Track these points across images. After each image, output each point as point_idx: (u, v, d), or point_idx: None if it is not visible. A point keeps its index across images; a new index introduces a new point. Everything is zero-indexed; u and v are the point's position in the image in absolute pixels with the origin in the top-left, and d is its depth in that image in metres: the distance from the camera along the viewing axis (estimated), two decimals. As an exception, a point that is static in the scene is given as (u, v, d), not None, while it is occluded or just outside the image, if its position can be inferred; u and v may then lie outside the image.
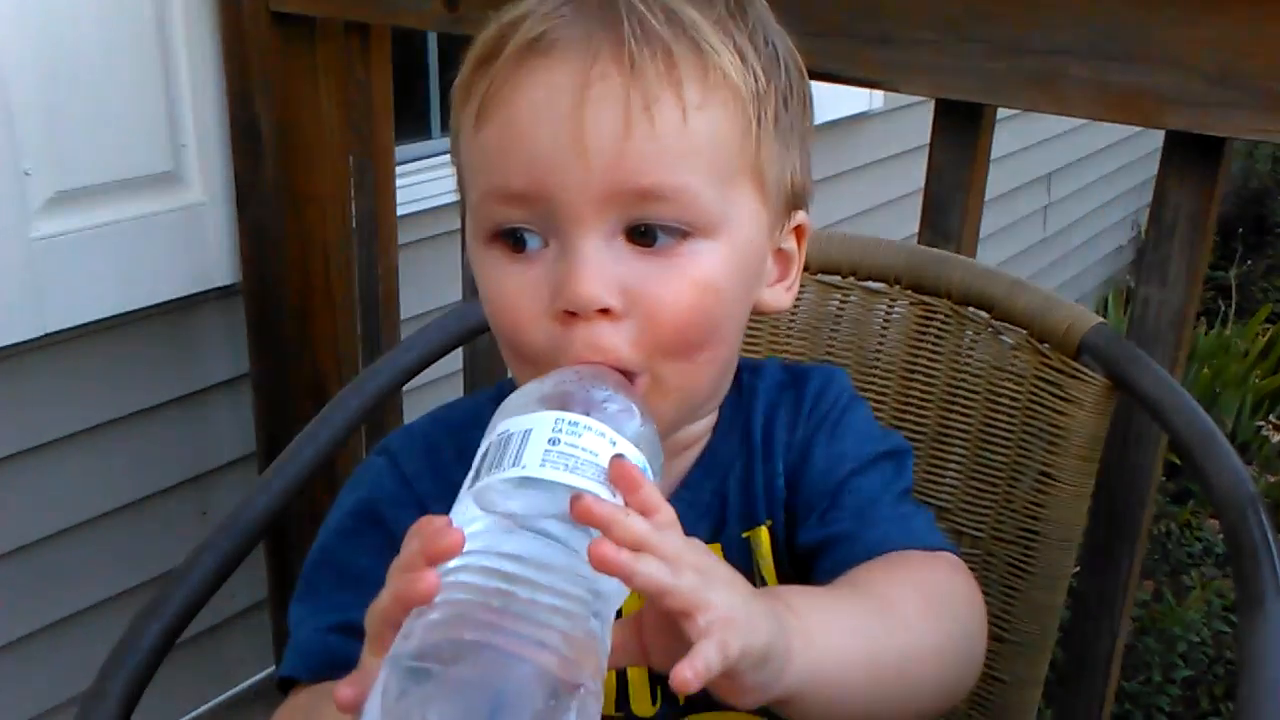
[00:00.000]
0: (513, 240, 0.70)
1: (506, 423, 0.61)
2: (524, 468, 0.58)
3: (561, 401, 0.62)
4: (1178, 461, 2.59)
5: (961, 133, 1.19)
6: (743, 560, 0.81)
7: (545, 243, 0.70)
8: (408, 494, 0.79)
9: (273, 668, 1.89)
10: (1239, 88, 0.98)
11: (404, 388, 1.30)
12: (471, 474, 0.60)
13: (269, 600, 1.86)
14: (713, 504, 0.82)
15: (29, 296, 1.48)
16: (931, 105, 1.20)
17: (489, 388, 0.88)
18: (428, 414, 0.86)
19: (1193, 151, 1.06)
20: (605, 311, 0.68)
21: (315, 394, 1.72)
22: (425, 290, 1.83)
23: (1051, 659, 1.12)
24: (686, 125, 0.68)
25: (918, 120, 1.32)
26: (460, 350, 1.34)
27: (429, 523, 0.56)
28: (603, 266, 0.67)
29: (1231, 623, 2.67)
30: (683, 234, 0.69)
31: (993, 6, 1.09)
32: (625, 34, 0.67)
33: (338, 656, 0.66)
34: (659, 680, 0.79)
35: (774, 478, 0.83)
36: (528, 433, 0.59)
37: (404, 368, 1.24)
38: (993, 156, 1.23)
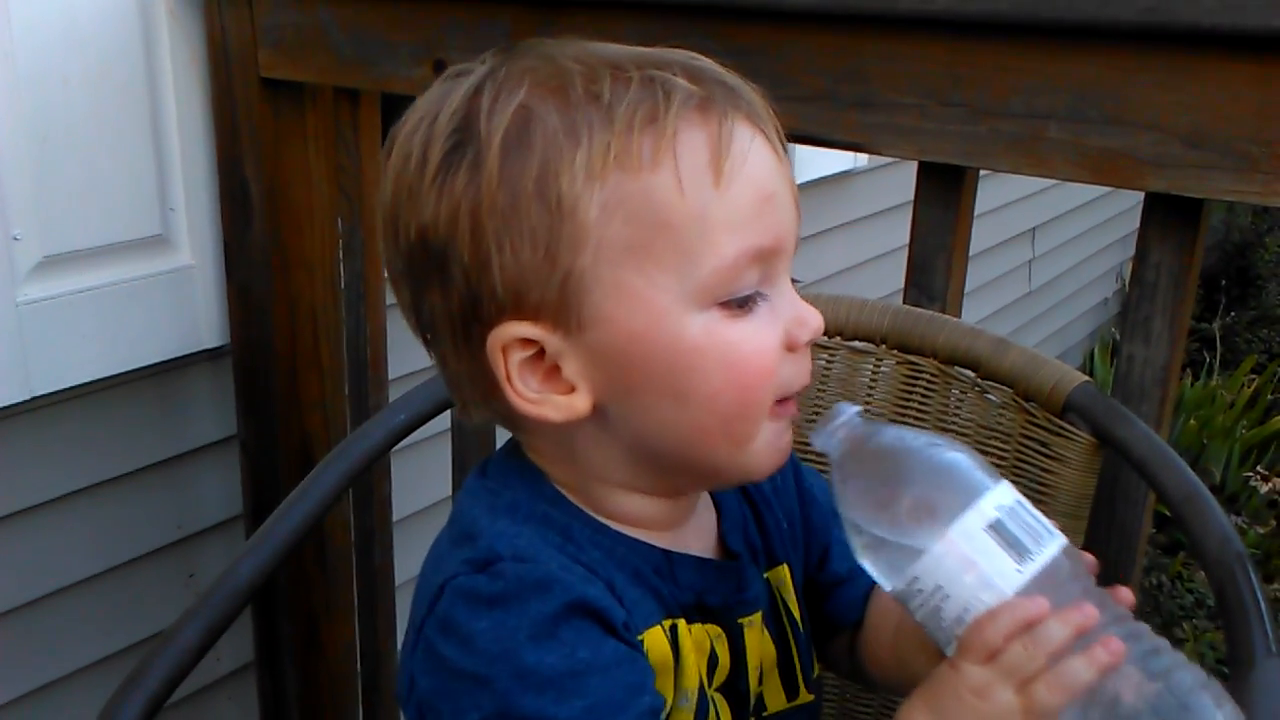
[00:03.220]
0: (743, 300, 0.72)
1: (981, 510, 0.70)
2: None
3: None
4: (1167, 513, 2.59)
5: (944, 194, 1.20)
6: (768, 599, 0.87)
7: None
8: (582, 577, 0.73)
9: (259, 733, 1.87)
10: (1214, 150, 1.00)
11: (392, 449, 1.30)
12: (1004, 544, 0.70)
13: (256, 664, 1.84)
14: (750, 551, 0.87)
15: (15, 361, 1.47)
16: (914, 165, 1.21)
17: (486, 482, 0.81)
18: (487, 520, 0.77)
19: (1172, 212, 1.07)
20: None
21: (303, 456, 1.71)
22: (413, 351, 1.83)
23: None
24: None
25: (903, 177, 1.34)
26: (448, 412, 1.34)
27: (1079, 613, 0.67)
28: None
29: (1226, 675, 2.66)
30: None
31: (972, 71, 1.10)
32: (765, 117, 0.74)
33: None
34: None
35: (779, 522, 0.89)
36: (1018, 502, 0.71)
37: (392, 430, 1.25)
38: (976, 212, 1.25)
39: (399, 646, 1.78)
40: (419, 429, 1.28)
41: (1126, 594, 0.72)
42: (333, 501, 1.21)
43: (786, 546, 0.90)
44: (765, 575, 0.88)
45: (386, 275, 0.79)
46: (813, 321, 0.74)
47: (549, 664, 0.68)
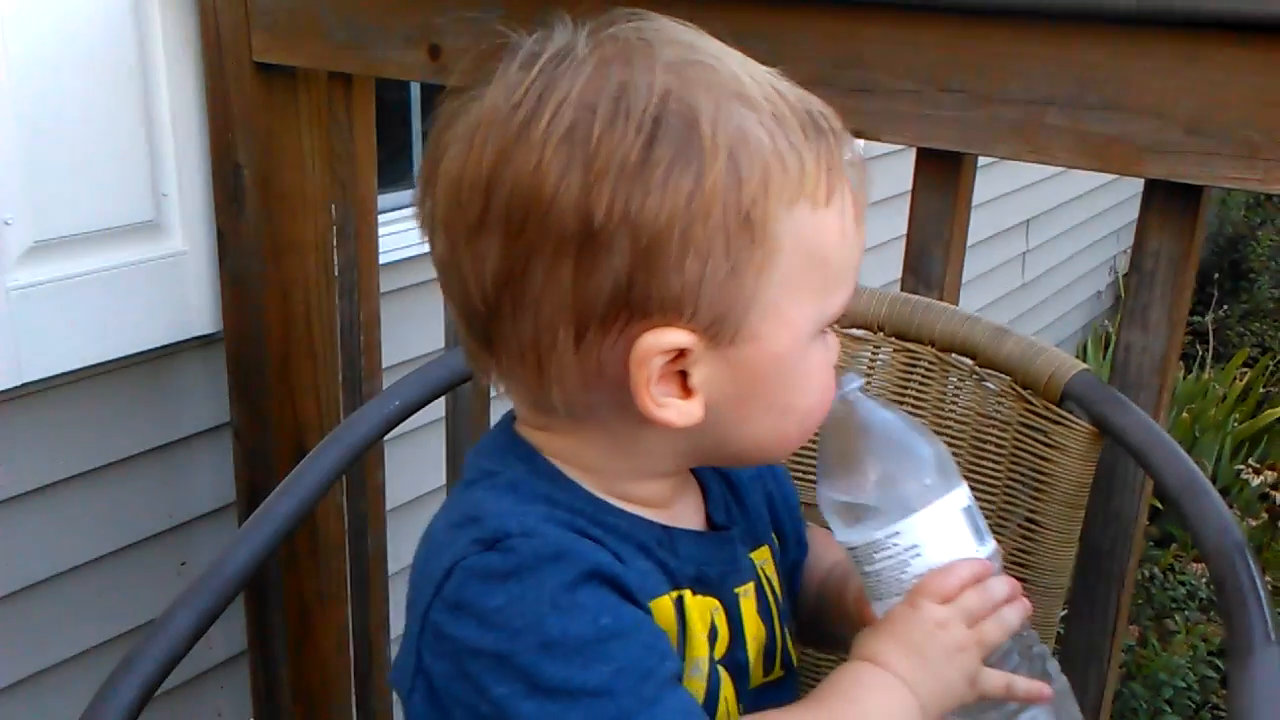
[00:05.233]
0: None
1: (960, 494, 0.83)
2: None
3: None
4: (1159, 505, 2.59)
5: (942, 181, 1.20)
6: (754, 577, 0.88)
7: None
8: (592, 548, 0.74)
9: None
10: (1215, 136, 0.99)
11: (385, 437, 1.30)
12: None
13: (248, 652, 1.84)
14: (738, 531, 0.89)
15: (6, 346, 1.46)
16: (912, 154, 1.21)
17: (481, 472, 0.80)
18: (490, 500, 0.77)
19: (1172, 198, 1.07)
20: None
21: (296, 443, 1.70)
22: (407, 338, 1.83)
23: (1040, 708, 1.11)
24: None
25: (898, 167, 1.33)
26: (443, 399, 1.33)
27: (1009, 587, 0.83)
28: None
29: (1217, 668, 2.66)
30: None
31: (972, 57, 1.10)
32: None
33: (695, 704, 0.75)
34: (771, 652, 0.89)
35: (759, 505, 0.92)
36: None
37: (386, 417, 1.24)
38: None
39: (392, 634, 1.77)
40: (412, 416, 1.28)
41: None
42: (326, 489, 1.21)
43: (768, 529, 0.93)
44: (750, 555, 0.89)
45: (442, 227, 0.74)
46: (837, 344, 0.82)
47: (574, 631, 0.69)
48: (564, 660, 0.69)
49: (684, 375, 0.73)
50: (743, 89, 0.71)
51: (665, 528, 0.80)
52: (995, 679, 0.81)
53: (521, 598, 0.70)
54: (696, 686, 0.78)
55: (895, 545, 0.81)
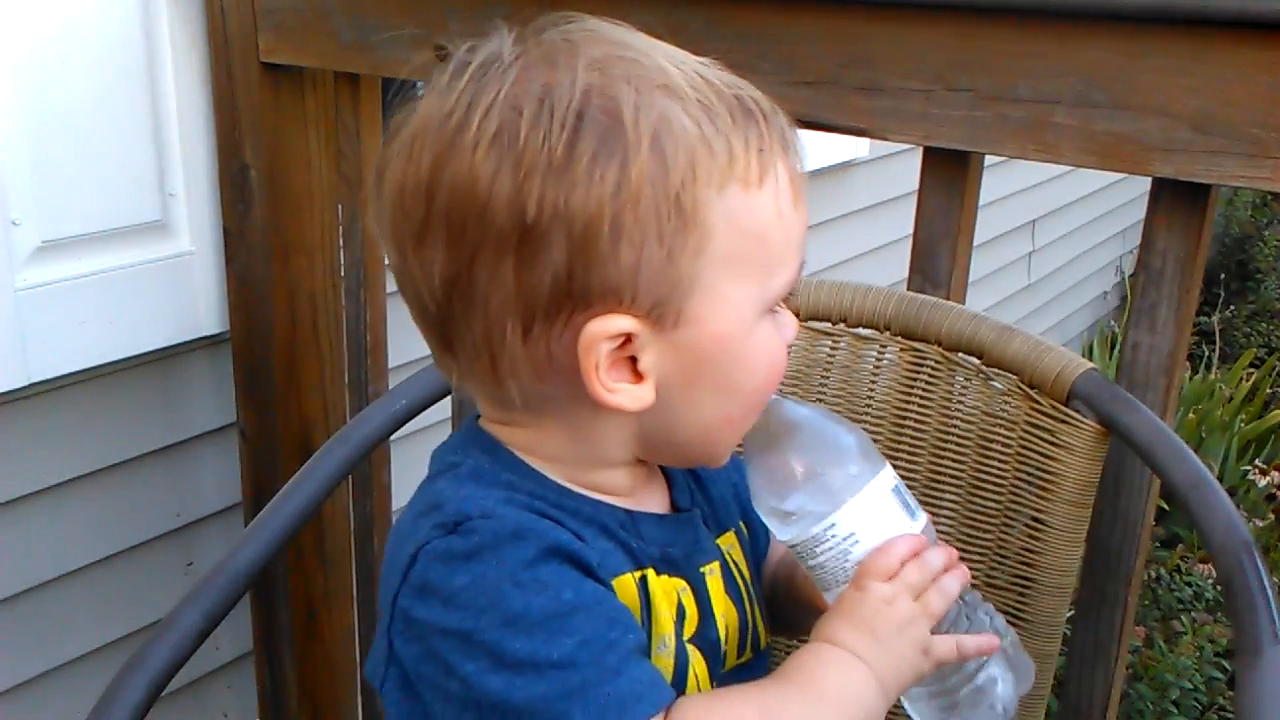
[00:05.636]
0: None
1: (887, 475, 0.85)
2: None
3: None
4: (1165, 506, 2.59)
5: (949, 180, 1.20)
6: (721, 559, 0.90)
7: None
8: (551, 527, 0.76)
9: (257, 721, 1.87)
10: (1224, 135, 0.99)
11: (391, 436, 1.30)
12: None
13: (255, 652, 1.84)
14: (702, 516, 0.91)
15: (14, 346, 1.47)
16: (918, 153, 1.20)
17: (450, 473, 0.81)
18: (451, 488, 0.79)
19: (1179, 197, 1.07)
20: None
21: (303, 443, 1.71)
22: (413, 338, 1.83)
23: (1046, 709, 1.11)
24: None
25: (904, 167, 1.33)
26: (448, 399, 1.33)
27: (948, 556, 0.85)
28: None
29: (1224, 669, 2.66)
30: None
31: (979, 56, 1.10)
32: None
33: (659, 675, 0.76)
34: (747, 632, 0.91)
35: (725, 495, 0.94)
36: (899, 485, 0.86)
37: (392, 417, 1.24)
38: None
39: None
40: (418, 416, 1.28)
41: None
42: (332, 489, 1.21)
43: (735, 517, 0.94)
44: (715, 540, 0.91)
45: (390, 236, 0.77)
46: (795, 324, 0.84)
47: (536, 606, 0.71)
48: (528, 635, 0.71)
49: (634, 361, 0.75)
50: (667, 80, 0.73)
51: (628, 511, 0.82)
52: (945, 644, 0.84)
53: (483, 576, 0.72)
54: (664, 663, 0.79)
55: (834, 536, 0.83)
